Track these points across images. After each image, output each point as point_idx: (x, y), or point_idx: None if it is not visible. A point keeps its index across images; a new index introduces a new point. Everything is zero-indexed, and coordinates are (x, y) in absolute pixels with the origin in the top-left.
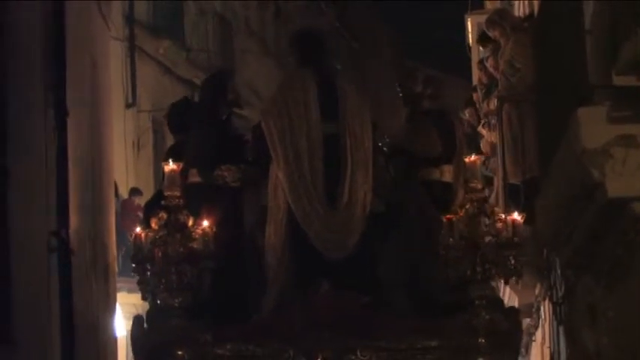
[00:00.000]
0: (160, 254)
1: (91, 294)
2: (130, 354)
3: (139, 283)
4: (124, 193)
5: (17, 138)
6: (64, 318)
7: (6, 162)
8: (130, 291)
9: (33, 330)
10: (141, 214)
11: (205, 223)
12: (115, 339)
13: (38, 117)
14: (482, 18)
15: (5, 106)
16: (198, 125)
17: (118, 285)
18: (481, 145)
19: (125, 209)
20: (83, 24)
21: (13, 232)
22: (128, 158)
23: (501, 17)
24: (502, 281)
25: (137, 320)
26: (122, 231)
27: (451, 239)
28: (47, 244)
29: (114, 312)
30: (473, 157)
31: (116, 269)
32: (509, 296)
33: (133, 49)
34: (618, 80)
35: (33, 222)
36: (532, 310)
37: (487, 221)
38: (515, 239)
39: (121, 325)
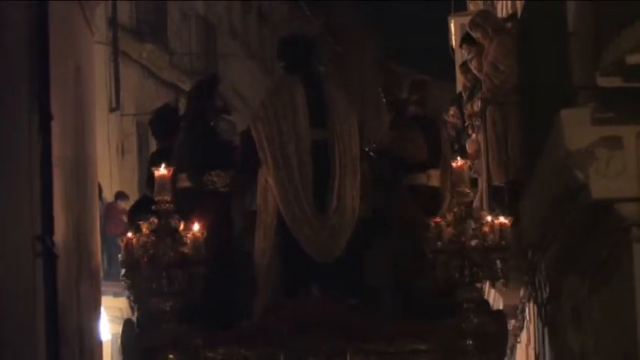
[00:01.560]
0: (147, 259)
1: (76, 298)
2: (115, 358)
3: (130, 287)
4: (108, 197)
5: (1, 142)
6: (50, 322)
7: None
8: (115, 295)
9: (18, 334)
10: (125, 218)
11: (196, 228)
12: (101, 343)
13: (22, 121)
14: (466, 20)
15: None
16: (187, 130)
17: (103, 289)
18: (467, 146)
19: (109, 213)
20: (67, 28)
21: None
22: (112, 162)
23: (484, 19)
24: (488, 284)
25: (128, 324)
26: (107, 235)
27: (439, 243)
28: (32, 249)
29: (99, 316)
30: (460, 162)
31: (101, 273)
32: (494, 298)
33: (116, 53)
34: (602, 81)
35: (17, 227)
36: (517, 312)
37: (474, 225)
38: (503, 242)
39: (106, 329)
